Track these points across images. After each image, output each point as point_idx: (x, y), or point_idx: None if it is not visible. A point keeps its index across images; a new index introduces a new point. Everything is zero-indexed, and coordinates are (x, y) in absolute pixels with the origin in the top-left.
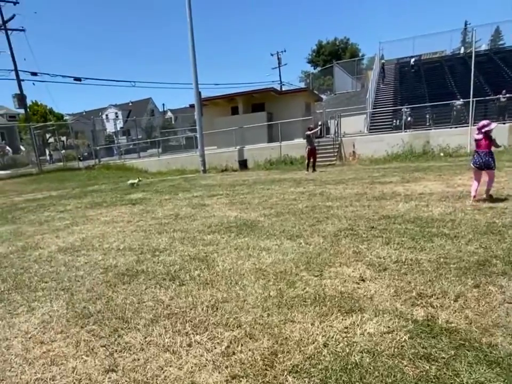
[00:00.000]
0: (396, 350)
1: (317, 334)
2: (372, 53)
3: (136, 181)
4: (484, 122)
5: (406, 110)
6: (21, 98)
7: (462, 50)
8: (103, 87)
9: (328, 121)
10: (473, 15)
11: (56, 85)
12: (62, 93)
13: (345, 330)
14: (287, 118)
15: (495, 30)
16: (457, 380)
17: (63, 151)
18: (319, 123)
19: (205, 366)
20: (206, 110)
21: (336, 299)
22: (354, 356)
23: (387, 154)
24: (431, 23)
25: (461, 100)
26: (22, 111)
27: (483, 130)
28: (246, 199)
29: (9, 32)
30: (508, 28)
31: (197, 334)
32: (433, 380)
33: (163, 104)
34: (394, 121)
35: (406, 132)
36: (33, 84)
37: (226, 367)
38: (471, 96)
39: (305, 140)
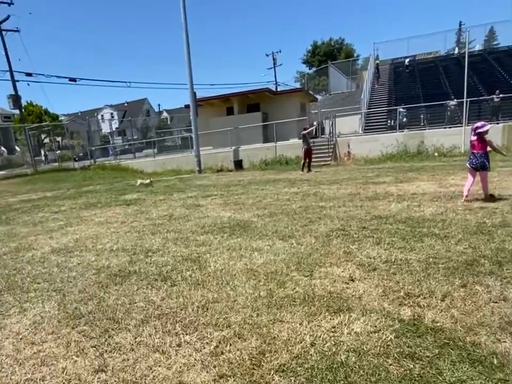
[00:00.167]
0: (381, 349)
1: (305, 334)
2: (367, 53)
3: (147, 181)
4: (478, 124)
5: (402, 110)
6: (15, 99)
7: (456, 51)
8: (98, 87)
9: (323, 122)
10: (468, 15)
11: (51, 85)
12: (57, 94)
13: (333, 329)
14: (282, 118)
15: (489, 30)
16: (440, 378)
17: (58, 151)
18: (314, 123)
19: (194, 365)
20: (201, 110)
21: (325, 299)
22: (340, 355)
23: (382, 155)
24: (426, 24)
25: (455, 100)
26: (17, 111)
27: (476, 132)
28: (240, 199)
29: (3, 32)
30: (502, 28)
31: (186, 334)
32: (417, 379)
33: (158, 105)
34: (389, 121)
35: (400, 132)
36: (28, 84)
37: (214, 367)
38: (464, 96)
39: (300, 140)
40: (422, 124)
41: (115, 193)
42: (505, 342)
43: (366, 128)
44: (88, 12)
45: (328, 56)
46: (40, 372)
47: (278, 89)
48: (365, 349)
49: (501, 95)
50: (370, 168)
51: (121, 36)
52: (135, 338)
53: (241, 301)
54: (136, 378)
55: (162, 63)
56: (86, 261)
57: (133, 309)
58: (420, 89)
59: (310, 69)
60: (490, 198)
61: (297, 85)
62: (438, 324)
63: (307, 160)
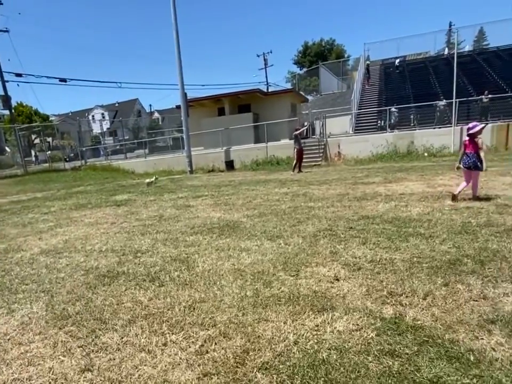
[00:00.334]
0: (362, 346)
1: (289, 332)
2: (358, 54)
3: (153, 179)
4: (470, 125)
5: (394, 110)
6: (5, 100)
7: (446, 51)
8: (89, 88)
9: (314, 122)
10: (458, 16)
11: (42, 86)
12: (47, 94)
13: (316, 328)
14: (273, 119)
15: (479, 31)
16: (418, 375)
17: (49, 152)
18: (305, 123)
19: (179, 364)
20: (192, 111)
21: (310, 298)
22: (322, 352)
23: (372, 155)
24: (416, 25)
25: (444, 100)
26: (7, 112)
27: (467, 133)
28: (231, 200)
29: None
30: (491, 29)
31: (173, 333)
32: (395, 375)
33: (150, 105)
34: (379, 121)
35: (390, 132)
36: (18, 85)
37: (199, 365)
38: (454, 96)
39: (292, 141)
40: (412, 124)
41: (106, 194)
42: (482, 339)
43: (356, 128)
44: (81, 12)
45: (319, 56)
46: (27, 372)
47: (269, 90)
48: (346, 346)
49: (489, 96)
50: (360, 168)
51: (113, 36)
52: (122, 338)
53: (228, 300)
54: (121, 377)
55: (154, 64)
56: (74, 262)
57: (121, 309)
58: (410, 89)
59: (301, 70)
60: (477, 199)
61: (288, 86)
62: (419, 322)
63: (298, 161)
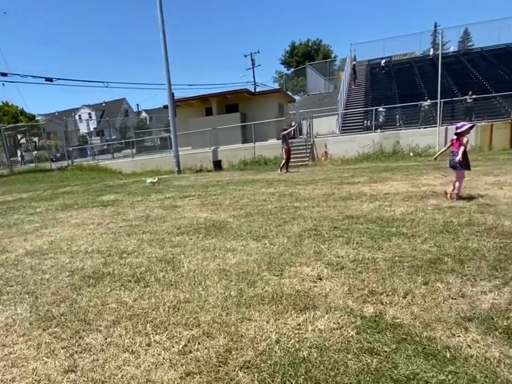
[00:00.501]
0: (342, 345)
1: (271, 331)
2: (344, 54)
3: (155, 179)
4: (458, 124)
5: (382, 109)
6: None
7: (431, 52)
8: (76, 87)
9: (301, 122)
10: (444, 17)
11: (27, 85)
12: (33, 94)
13: (298, 327)
14: (261, 119)
15: (463, 32)
16: (395, 372)
17: (35, 152)
18: (293, 123)
19: (162, 364)
20: (180, 110)
21: (293, 297)
22: (303, 351)
23: (358, 155)
24: (403, 26)
25: (429, 100)
26: None
27: (455, 132)
28: (218, 200)
29: None
30: (476, 30)
31: (156, 334)
32: (374, 372)
33: (137, 105)
34: (366, 121)
35: (376, 132)
36: (3, 84)
37: (182, 365)
38: (438, 97)
39: (279, 141)
40: (397, 124)
41: (92, 194)
42: (459, 336)
43: (343, 128)
44: (67, 10)
45: (306, 57)
46: (10, 373)
47: (257, 90)
48: (327, 345)
49: (473, 96)
50: (346, 168)
51: (99, 35)
52: (106, 339)
53: (212, 300)
54: (105, 378)
55: (141, 63)
56: (60, 263)
57: (105, 310)
58: (395, 89)
59: (288, 70)
60: (460, 198)
61: (276, 86)
62: (398, 320)
63: (287, 160)
